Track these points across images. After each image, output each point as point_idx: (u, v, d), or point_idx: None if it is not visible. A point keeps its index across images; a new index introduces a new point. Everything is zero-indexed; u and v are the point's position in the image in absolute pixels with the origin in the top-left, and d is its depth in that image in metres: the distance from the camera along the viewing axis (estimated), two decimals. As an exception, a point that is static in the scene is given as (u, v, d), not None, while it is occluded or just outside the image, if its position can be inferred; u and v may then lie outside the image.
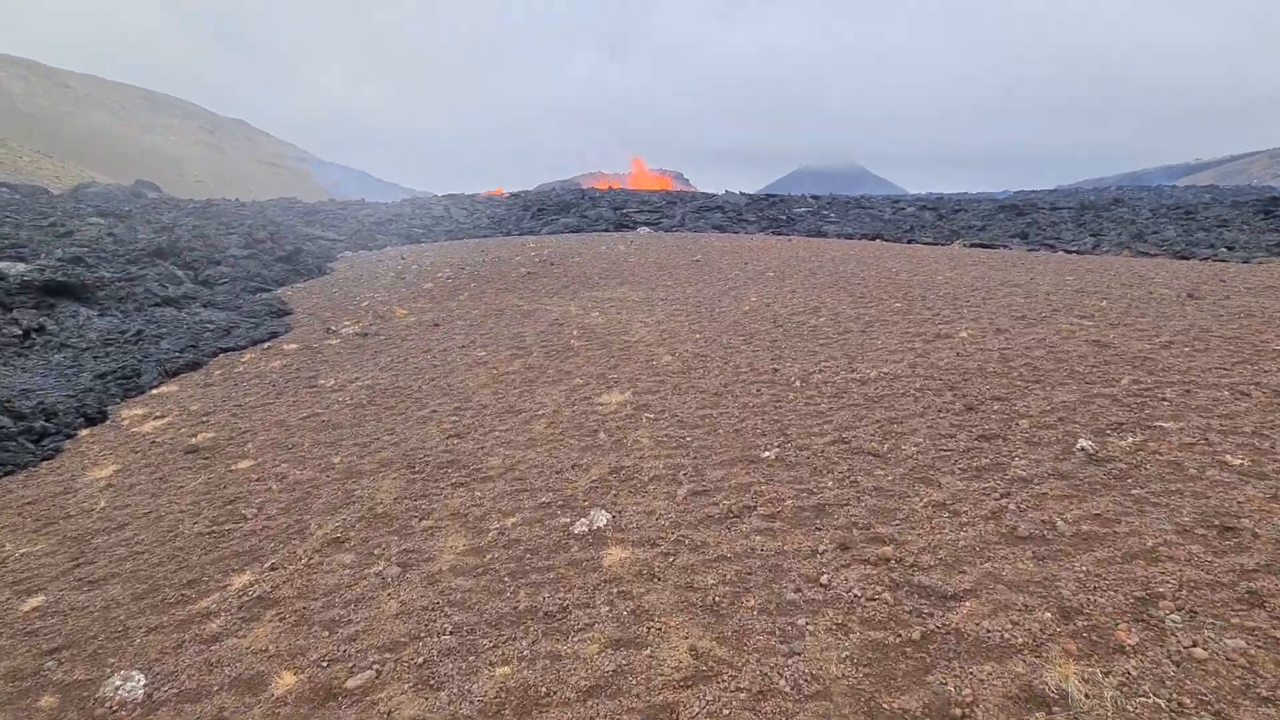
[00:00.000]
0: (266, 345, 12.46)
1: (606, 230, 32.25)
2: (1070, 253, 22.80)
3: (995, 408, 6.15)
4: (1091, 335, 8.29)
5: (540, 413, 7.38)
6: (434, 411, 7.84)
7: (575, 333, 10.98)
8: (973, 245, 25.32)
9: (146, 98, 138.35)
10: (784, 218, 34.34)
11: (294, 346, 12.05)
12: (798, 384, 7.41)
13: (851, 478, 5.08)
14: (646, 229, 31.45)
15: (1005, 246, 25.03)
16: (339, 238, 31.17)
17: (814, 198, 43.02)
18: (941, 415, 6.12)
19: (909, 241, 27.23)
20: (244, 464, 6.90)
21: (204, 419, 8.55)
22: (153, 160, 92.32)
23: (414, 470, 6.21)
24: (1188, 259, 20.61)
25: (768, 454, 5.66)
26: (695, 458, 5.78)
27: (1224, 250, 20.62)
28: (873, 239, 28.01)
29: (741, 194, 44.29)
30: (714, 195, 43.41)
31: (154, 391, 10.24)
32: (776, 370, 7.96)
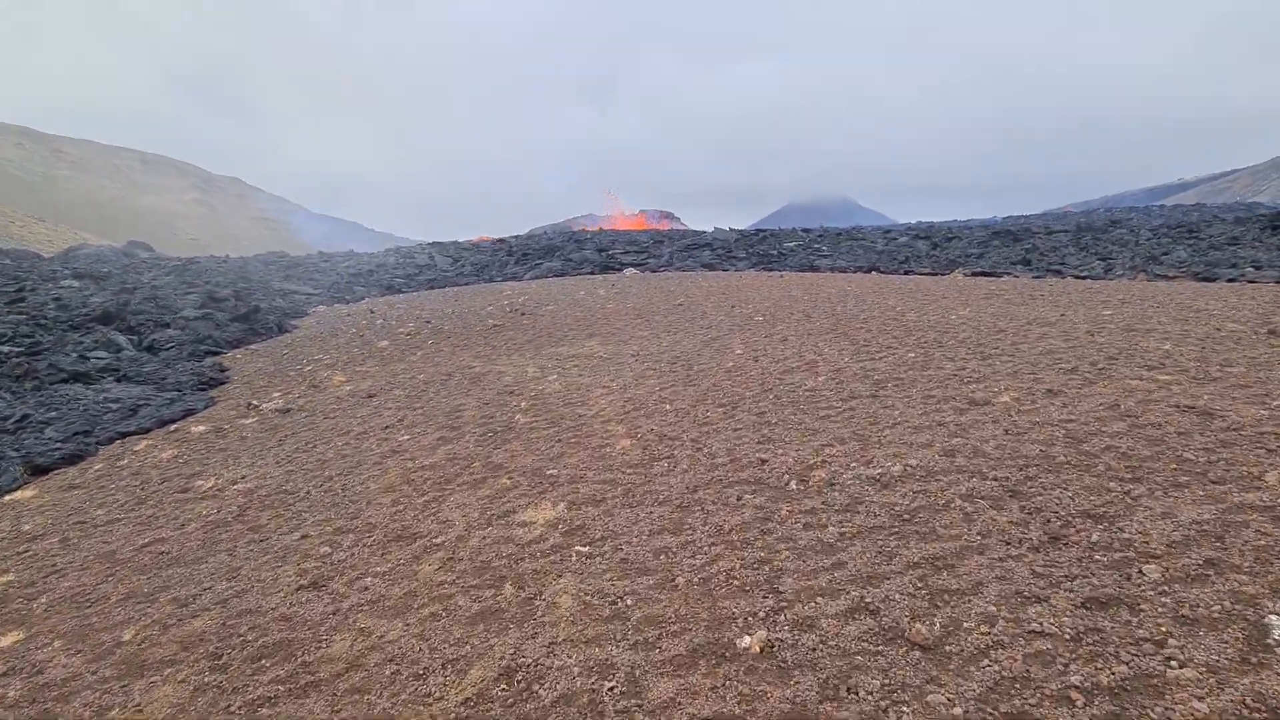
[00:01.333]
0: (173, 427, 10.29)
1: (591, 273, 30.31)
2: (1082, 278, 20.71)
3: (1094, 535, 3.93)
4: (1177, 397, 6.09)
5: (439, 541, 5.16)
6: (305, 537, 5.62)
7: (524, 404, 8.81)
8: (975, 274, 23.27)
9: (140, 159, 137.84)
10: (775, 253, 32.39)
11: (201, 429, 9.87)
12: (793, 486, 5.19)
13: (894, 710, 2.85)
14: (633, 270, 29.49)
15: (1009, 274, 22.96)
16: (314, 291, 29.24)
17: (805, 231, 41.18)
18: (1013, 551, 3.90)
19: (906, 273, 25.20)
20: (7, 639, 4.68)
21: (22, 548, 6.34)
22: (147, 220, 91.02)
23: (215, 663, 3.98)
24: (1212, 280, 18.50)
25: (748, 640, 3.44)
26: (634, 647, 3.54)
27: (1251, 270, 18.49)
28: (868, 272, 25.99)
29: (731, 230, 42.49)
30: (703, 232, 41.60)
31: (4, 499, 8.05)
32: (764, 462, 5.76)
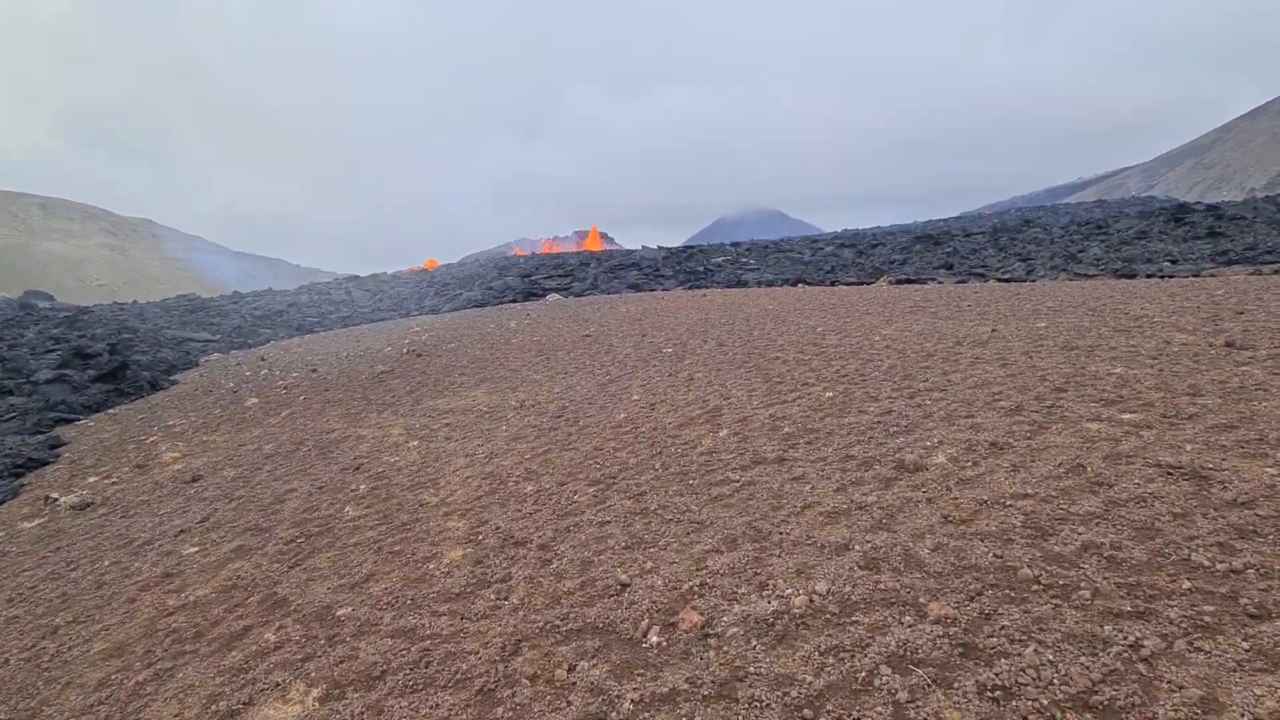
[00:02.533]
0: (-58, 535, 8.03)
1: (514, 300, 28.42)
2: (1005, 280, 19.81)
3: (1102, 758, 2.33)
4: (1153, 449, 4.61)
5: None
6: (-60, 762, 3.66)
7: (363, 488, 6.92)
8: (899, 281, 22.25)
9: (41, 204, 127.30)
10: (702, 269, 31.06)
11: (-30, 538, 7.66)
12: (653, 640, 3.47)
13: None
14: (555, 295, 27.72)
15: (933, 280, 22.01)
16: (212, 338, 26.56)
17: (733, 245, 40.10)
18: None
19: (832, 283, 24.09)
20: None
21: None
22: (51, 267, 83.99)
23: None
24: (1132, 277, 17.73)
25: None
26: None
27: (1168, 265, 17.80)
28: (794, 284, 24.81)
29: (660, 248, 41.11)
30: (631, 252, 40.12)
31: None
32: (624, 588, 4.03)
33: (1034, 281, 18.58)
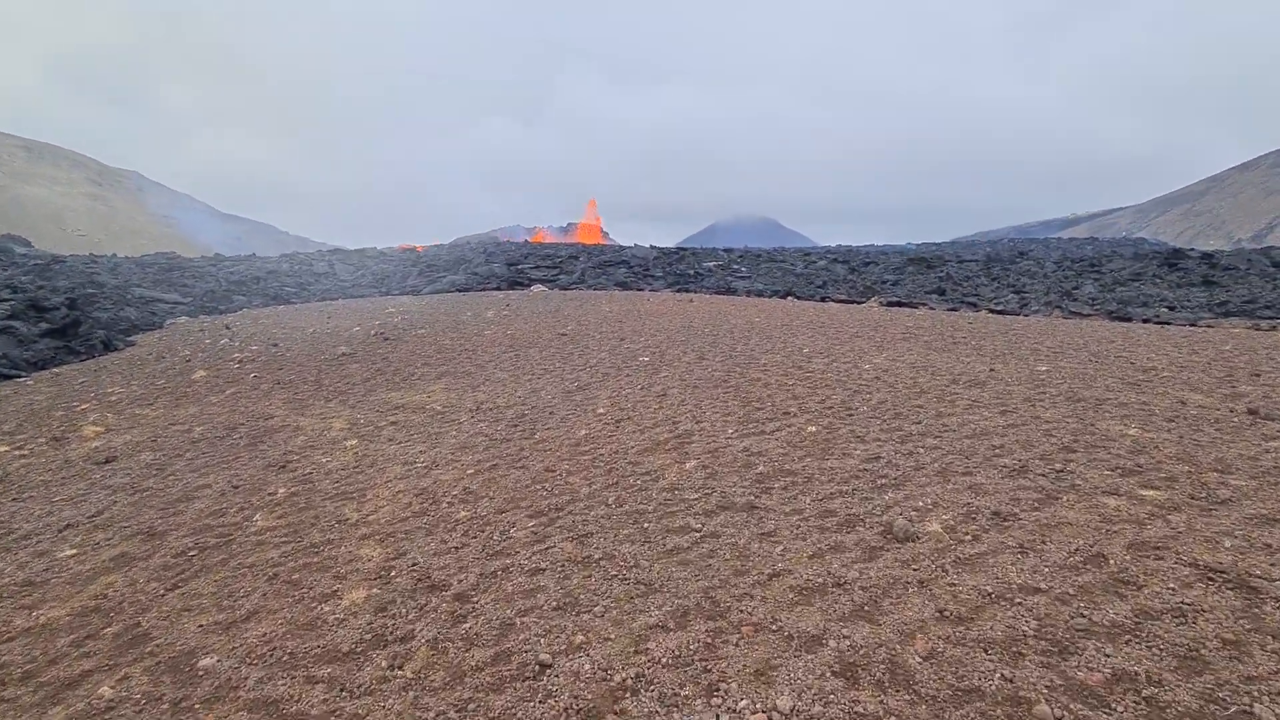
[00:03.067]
0: None
1: (498, 288, 27.51)
2: (997, 312, 19.22)
3: None
4: (1187, 543, 3.88)
5: None
6: None
7: (280, 492, 6.07)
8: (890, 304, 21.60)
9: (25, 146, 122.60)
10: (692, 273, 30.27)
11: None
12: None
13: None
14: (540, 286, 26.84)
15: (925, 304, 21.40)
16: (182, 300, 25.44)
17: (726, 251, 39.35)
18: None
19: (822, 299, 23.41)
20: None
21: None
22: (31, 212, 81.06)
23: None
24: (1126, 320, 17.17)
25: None
26: None
27: (1165, 311, 17.24)
28: (784, 296, 24.10)
29: (652, 248, 40.31)
30: (623, 248, 39.29)
31: None
32: (544, 670, 3.24)
33: (1027, 316, 17.99)
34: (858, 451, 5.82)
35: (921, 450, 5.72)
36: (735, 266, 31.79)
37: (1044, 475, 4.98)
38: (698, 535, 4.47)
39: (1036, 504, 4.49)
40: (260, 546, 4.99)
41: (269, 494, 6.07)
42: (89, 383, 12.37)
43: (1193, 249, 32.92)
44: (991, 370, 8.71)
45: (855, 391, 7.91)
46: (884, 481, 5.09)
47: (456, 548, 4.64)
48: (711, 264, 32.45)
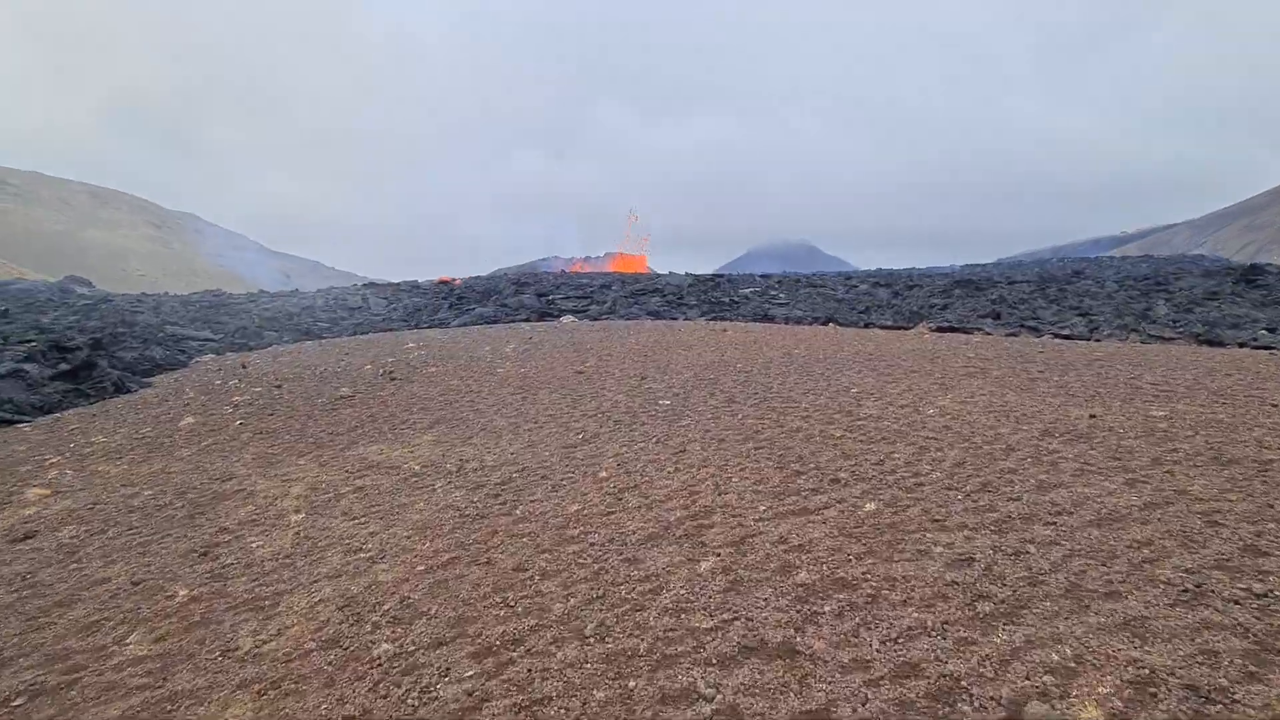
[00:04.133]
0: None
1: (527, 319, 26.31)
2: (1064, 337, 17.10)
3: None
4: None
5: None
6: None
7: (183, 595, 4.64)
8: (941, 329, 19.61)
9: (90, 193, 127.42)
10: (728, 300, 28.66)
11: None
12: None
13: None
14: (570, 318, 25.54)
15: (979, 329, 19.35)
16: (214, 337, 24.83)
17: (763, 277, 37.65)
18: None
19: (866, 325, 21.53)
20: None
21: None
22: (94, 255, 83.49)
23: None
24: (1218, 345, 14.91)
25: None
26: None
27: (1264, 333, 14.94)
28: (825, 323, 22.29)
29: (687, 274, 38.84)
30: (657, 276, 37.92)
31: None
32: None
33: (1099, 341, 15.87)
34: (939, 548, 4.12)
35: (1032, 548, 3.99)
36: (773, 293, 30.07)
37: (1239, 602, 3.22)
38: (708, 712, 2.83)
39: (1248, 665, 2.75)
40: (107, 694, 3.53)
41: (167, 597, 4.64)
42: (80, 430, 11.33)
43: (1270, 264, 29.97)
44: (1092, 417, 6.87)
45: (921, 449, 6.18)
46: (989, 608, 3.39)
47: (353, 717, 3.09)
48: (748, 290, 30.79)
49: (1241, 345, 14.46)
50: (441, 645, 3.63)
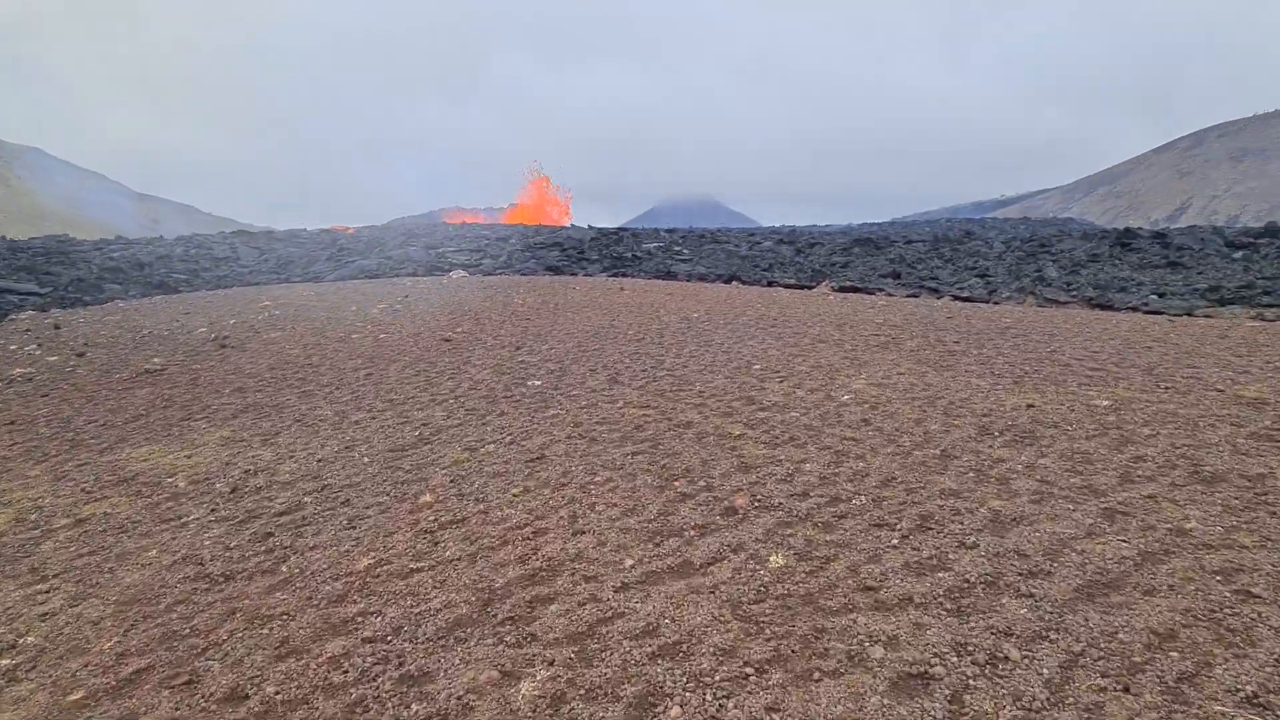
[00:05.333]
0: None
1: (413, 274, 23.69)
2: (964, 299, 16.49)
3: None
4: None
5: None
6: None
7: None
8: (843, 289, 18.73)
9: None
10: (630, 255, 26.94)
11: None
12: None
13: None
14: (461, 272, 23.16)
15: (881, 290, 18.59)
16: (39, 291, 21.02)
17: (668, 232, 36.04)
18: None
19: (769, 284, 20.40)
20: None
21: None
22: None
23: None
24: (1109, 308, 14.61)
25: None
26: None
27: (1153, 298, 14.70)
28: (728, 281, 21.02)
29: (590, 227, 36.72)
30: (558, 230, 35.62)
31: None
32: None
33: (998, 304, 15.29)
34: (877, 649, 2.67)
35: (1012, 649, 2.60)
36: (677, 248, 28.57)
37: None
38: None
39: None
40: None
41: None
42: None
43: (1141, 228, 31.05)
44: (1030, 407, 5.68)
45: (839, 455, 4.77)
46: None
47: None
48: (652, 245, 29.15)
49: (1133, 309, 14.16)
50: None
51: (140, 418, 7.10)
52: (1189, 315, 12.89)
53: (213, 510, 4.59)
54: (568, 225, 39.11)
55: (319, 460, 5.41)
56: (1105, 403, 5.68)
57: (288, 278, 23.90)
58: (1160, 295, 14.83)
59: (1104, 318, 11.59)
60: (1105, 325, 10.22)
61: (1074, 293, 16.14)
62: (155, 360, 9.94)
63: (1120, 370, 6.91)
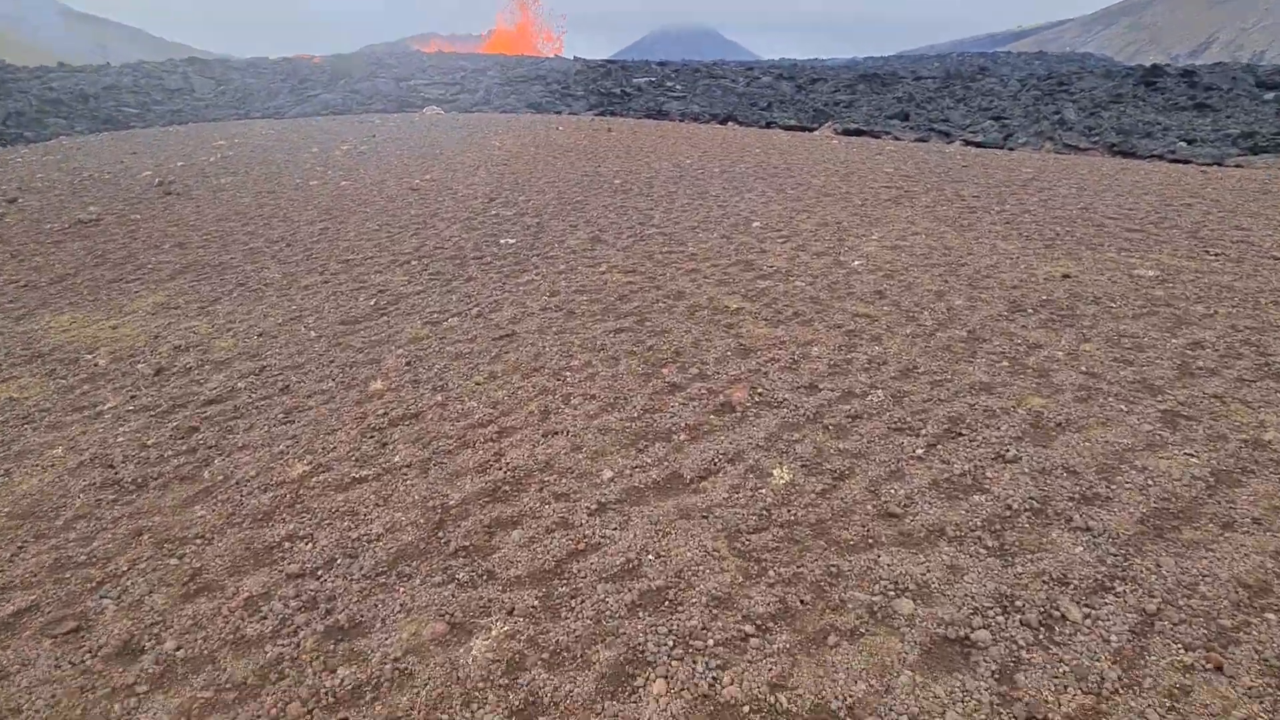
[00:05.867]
0: None
1: (382, 110, 21.63)
2: (975, 145, 15.17)
3: None
4: None
5: None
6: None
7: None
8: (847, 132, 17.22)
9: None
10: (619, 91, 24.65)
11: None
12: None
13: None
14: (435, 108, 21.14)
15: (889, 133, 17.10)
16: (-29, 125, 19.03)
17: (660, 65, 32.97)
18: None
19: (768, 124, 18.77)
20: None
21: None
22: None
23: None
24: (1132, 156, 13.46)
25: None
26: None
27: (1182, 146, 13.50)
28: (724, 122, 19.32)
29: (576, 59, 33.49)
30: (541, 61, 32.46)
31: None
32: None
33: (1014, 150, 14.06)
34: (903, 600, 2.17)
35: (1066, 599, 2.10)
36: (669, 84, 26.13)
37: None
38: None
39: None
40: None
41: None
42: None
43: (1168, 66, 28.53)
44: (1066, 277, 4.97)
45: (851, 335, 4.12)
46: None
47: None
48: (642, 80, 26.64)
49: (1158, 157, 13.04)
50: None
51: (66, 277, 6.27)
52: (1218, 165, 11.84)
53: (133, 397, 3.96)
54: (551, 57, 35.71)
55: (260, 334, 4.71)
56: (1151, 273, 4.97)
57: (247, 113, 21.77)
58: (1189, 142, 13.60)
59: (1132, 167, 10.55)
60: (1136, 177, 9.24)
61: (1095, 138, 14.81)
62: (91, 209, 8.88)
63: (1161, 232, 6.13)
